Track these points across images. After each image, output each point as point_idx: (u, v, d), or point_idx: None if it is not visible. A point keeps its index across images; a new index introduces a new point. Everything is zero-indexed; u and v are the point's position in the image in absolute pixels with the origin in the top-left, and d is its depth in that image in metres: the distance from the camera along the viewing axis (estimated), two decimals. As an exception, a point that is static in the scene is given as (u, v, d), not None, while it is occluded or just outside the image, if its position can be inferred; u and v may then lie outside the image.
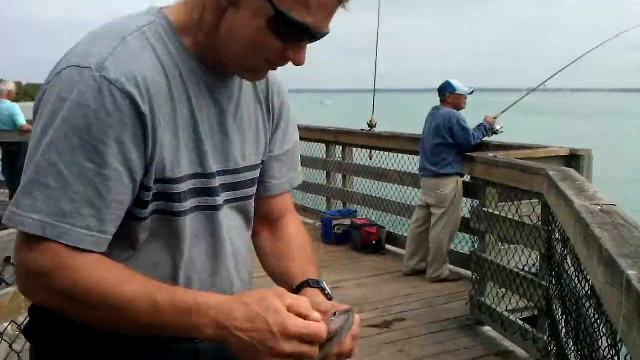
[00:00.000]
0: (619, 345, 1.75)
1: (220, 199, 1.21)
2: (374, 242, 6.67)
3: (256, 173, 1.31)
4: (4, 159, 8.34)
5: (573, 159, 5.16)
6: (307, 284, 1.24)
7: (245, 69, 1.17)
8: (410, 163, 6.66)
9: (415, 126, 6.59)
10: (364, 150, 7.38)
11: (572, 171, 3.54)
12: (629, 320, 1.46)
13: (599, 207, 2.37)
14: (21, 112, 8.03)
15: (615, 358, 1.82)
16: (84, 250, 1.03)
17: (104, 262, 1.05)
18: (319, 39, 1.11)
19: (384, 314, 4.86)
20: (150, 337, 1.14)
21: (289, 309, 1.01)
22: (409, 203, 6.62)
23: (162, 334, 1.05)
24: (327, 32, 1.10)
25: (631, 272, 1.50)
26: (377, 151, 7.15)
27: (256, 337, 0.98)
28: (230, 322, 1.00)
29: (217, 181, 1.20)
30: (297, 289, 1.23)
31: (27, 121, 7.87)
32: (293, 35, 1.08)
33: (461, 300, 5.06)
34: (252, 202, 1.31)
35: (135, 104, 1.05)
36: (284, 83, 1.36)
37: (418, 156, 6.00)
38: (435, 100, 5.90)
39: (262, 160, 1.33)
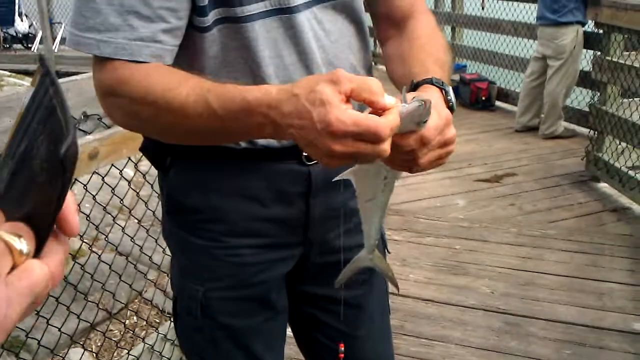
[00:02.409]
0: None
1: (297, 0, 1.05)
2: (483, 98, 6.45)
3: None
4: None
5: None
6: (430, 81, 1.01)
7: None
8: (526, 12, 6.23)
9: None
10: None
11: None
12: None
13: None
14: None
15: None
16: (142, 63, 0.98)
17: (158, 69, 0.98)
18: None
19: (494, 169, 4.76)
20: (260, 159, 1.12)
21: (350, 95, 0.82)
22: (523, 56, 6.27)
23: (229, 139, 0.99)
24: None
25: None
26: (491, 0, 6.72)
27: (305, 135, 0.84)
28: (281, 118, 0.86)
29: None
30: (415, 86, 1.02)
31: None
32: None
33: (576, 157, 4.85)
34: (355, 1, 1.14)
35: None
36: None
37: (535, 4, 5.58)
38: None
39: None
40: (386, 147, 0.82)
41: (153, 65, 0.99)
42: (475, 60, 7.02)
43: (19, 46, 11.31)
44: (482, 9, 6.88)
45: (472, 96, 6.47)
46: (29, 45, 11.00)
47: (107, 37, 0.96)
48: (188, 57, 1.06)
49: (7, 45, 11.10)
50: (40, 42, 9.69)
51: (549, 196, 4.29)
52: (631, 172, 4.10)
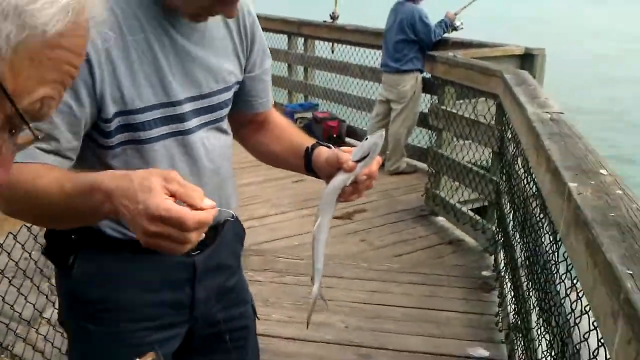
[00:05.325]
0: (559, 243, 1.99)
1: (192, 123, 1.30)
2: (334, 135, 6.86)
3: (230, 94, 1.41)
4: None
5: (528, 58, 5.34)
6: (318, 144, 1.42)
7: (186, 14, 1.25)
8: (372, 57, 6.75)
9: (379, 20, 6.62)
10: (326, 43, 7.39)
11: (526, 75, 3.73)
12: (567, 225, 1.70)
13: (549, 116, 2.58)
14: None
15: (556, 254, 2.08)
16: None
17: (36, 164, 1.12)
18: None
19: (346, 206, 5.06)
20: (145, 249, 1.32)
21: (174, 195, 0.98)
22: (369, 97, 6.77)
23: (78, 220, 1.13)
24: None
25: (572, 185, 1.71)
26: (340, 44, 7.19)
27: (129, 211, 0.98)
28: (115, 195, 1.00)
29: (187, 107, 1.28)
30: (312, 149, 1.40)
31: None
32: None
33: (417, 193, 5.35)
34: (226, 120, 1.43)
35: None
36: (249, 2, 1.42)
37: (380, 51, 6.09)
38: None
39: (238, 81, 1.42)
40: (192, 236, 0.97)
41: (36, 164, 1.12)
42: (326, 99, 7.45)
43: None
44: (332, 52, 7.32)
45: (325, 134, 6.86)
46: None
47: None
48: (92, 170, 1.21)
49: None
50: None
51: (394, 231, 4.72)
52: (464, 208, 4.62)
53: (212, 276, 1.44)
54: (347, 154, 1.30)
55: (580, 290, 1.59)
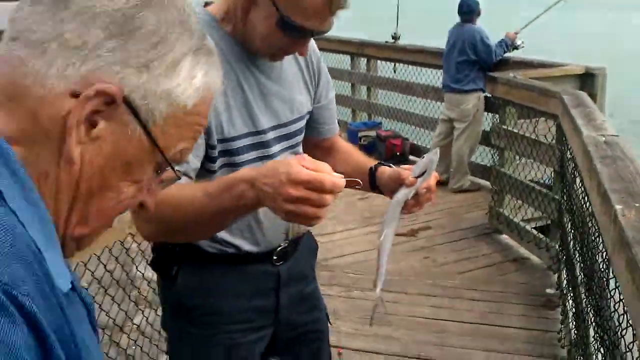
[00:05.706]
0: (608, 262, 2.11)
1: (275, 149, 1.55)
2: (398, 153, 7.02)
3: (304, 122, 1.64)
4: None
5: (588, 77, 5.38)
6: (380, 164, 1.60)
7: (266, 55, 1.49)
8: (434, 77, 6.88)
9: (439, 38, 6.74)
10: (388, 62, 7.58)
11: (584, 96, 3.83)
12: (614, 245, 1.83)
13: (603, 139, 2.70)
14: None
15: (607, 271, 2.20)
16: None
17: (174, 184, 1.33)
18: (320, 35, 1.42)
19: (410, 223, 5.23)
20: (238, 261, 1.55)
21: (308, 168, 1.15)
22: (432, 116, 6.91)
23: (219, 220, 1.31)
24: (328, 30, 1.41)
25: (618, 207, 1.86)
26: (402, 64, 7.35)
27: (272, 185, 1.16)
28: (258, 178, 1.19)
29: (270, 135, 1.54)
30: (375, 168, 1.58)
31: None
32: (296, 35, 1.38)
33: (481, 210, 5.44)
34: (301, 145, 1.66)
35: None
36: (314, 44, 1.63)
37: (442, 70, 6.23)
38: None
39: (309, 111, 1.66)
40: (328, 198, 1.16)
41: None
42: (389, 118, 7.62)
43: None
44: (394, 71, 7.50)
45: (388, 151, 7.03)
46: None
47: None
48: None
49: None
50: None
51: (457, 248, 4.84)
52: (527, 226, 4.71)
53: (293, 284, 1.67)
54: (407, 171, 1.48)
55: (626, 306, 1.73)
